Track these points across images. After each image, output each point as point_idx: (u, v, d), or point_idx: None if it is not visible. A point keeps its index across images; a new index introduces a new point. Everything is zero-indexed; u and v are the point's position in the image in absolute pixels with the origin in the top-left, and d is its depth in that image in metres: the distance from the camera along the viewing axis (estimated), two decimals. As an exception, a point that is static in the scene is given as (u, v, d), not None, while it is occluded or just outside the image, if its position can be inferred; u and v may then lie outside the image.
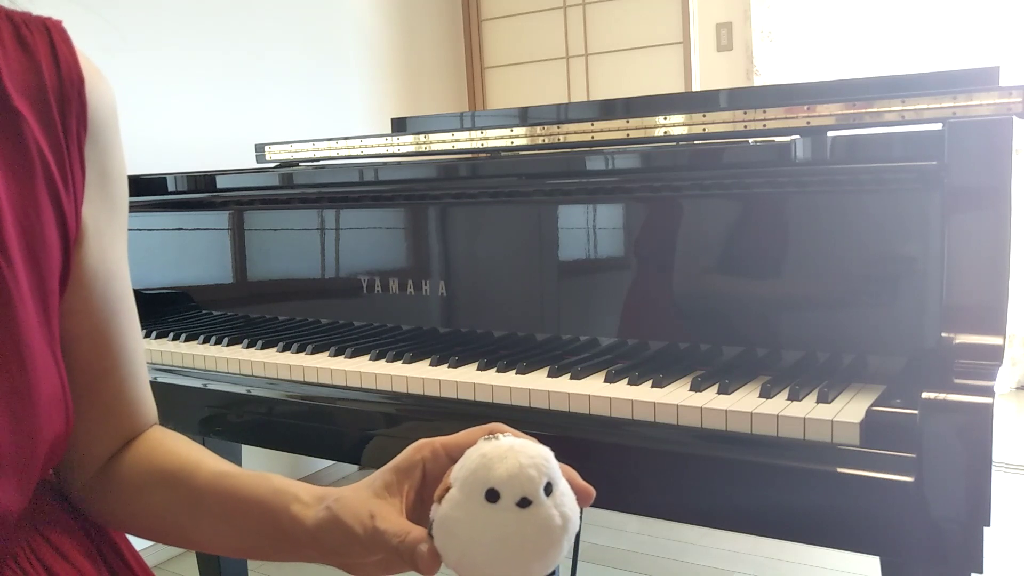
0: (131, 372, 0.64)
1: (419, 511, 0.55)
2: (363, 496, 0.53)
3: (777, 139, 1.13)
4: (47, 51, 0.57)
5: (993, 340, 0.89)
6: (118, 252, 0.63)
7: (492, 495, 0.49)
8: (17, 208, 0.54)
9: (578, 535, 1.99)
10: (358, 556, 0.53)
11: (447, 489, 0.51)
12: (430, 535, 0.51)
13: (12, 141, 0.54)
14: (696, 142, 1.25)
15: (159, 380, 1.46)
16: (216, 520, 0.60)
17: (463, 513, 0.49)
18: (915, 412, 0.84)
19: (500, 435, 0.52)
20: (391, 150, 1.61)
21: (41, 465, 0.55)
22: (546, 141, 1.39)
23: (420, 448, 0.55)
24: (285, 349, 1.40)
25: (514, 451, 0.49)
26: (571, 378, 1.11)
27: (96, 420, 0.62)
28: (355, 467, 3.19)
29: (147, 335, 1.62)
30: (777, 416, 0.92)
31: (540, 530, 0.49)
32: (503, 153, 1.47)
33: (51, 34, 0.58)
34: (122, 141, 0.63)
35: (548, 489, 0.49)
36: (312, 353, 1.36)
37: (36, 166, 0.55)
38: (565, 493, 0.51)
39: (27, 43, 0.56)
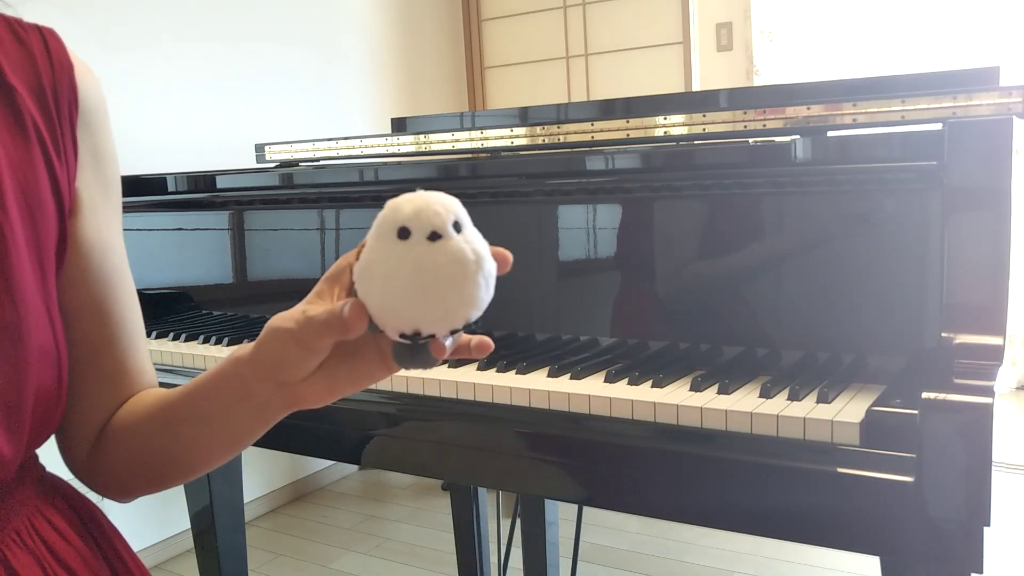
0: (131, 343, 0.67)
1: None
2: (296, 307, 0.55)
3: (777, 139, 1.13)
4: (40, 47, 0.61)
5: (993, 340, 0.89)
6: (114, 229, 0.66)
7: (403, 232, 0.50)
8: (15, 168, 0.57)
9: (578, 534, 1.97)
10: (297, 359, 0.54)
11: (363, 246, 0.53)
12: (354, 294, 0.53)
13: (9, 110, 0.58)
14: (696, 142, 1.25)
15: (159, 380, 1.46)
16: (190, 423, 0.62)
17: (377, 255, 0.51)
18: (915, 412, 0.84)
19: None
20: (391, 150, 1.61)
21: (30, 417, 0.57)
22: (546, 141, 1.40)
23: (347, 256, 0.57)
24: (285, 349, 1.40)
25: (420, 194, 0.51)
26: (571, 378, 1.11)
27: (99, 391, 0.65)
28: (355, 467, 3.20)
29: (147, 335, 1.62)
30: (777, 416, 0.92)
31: (453, 261, 0.50)
32: (503, 153, 1.47)
33: (43, 34, 0.62)
34: (112, 132, 0.67)
35: (457, 228, 0.51)
36: (312, 353, 1.36)
37: (32, 136, 0.59)
38: (476, 235, 0.53)
39: (22, 38, 0.61)
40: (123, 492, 0.68)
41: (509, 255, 0.55)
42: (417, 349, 0.53)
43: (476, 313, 0.53)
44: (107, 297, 0.65)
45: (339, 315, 0.51)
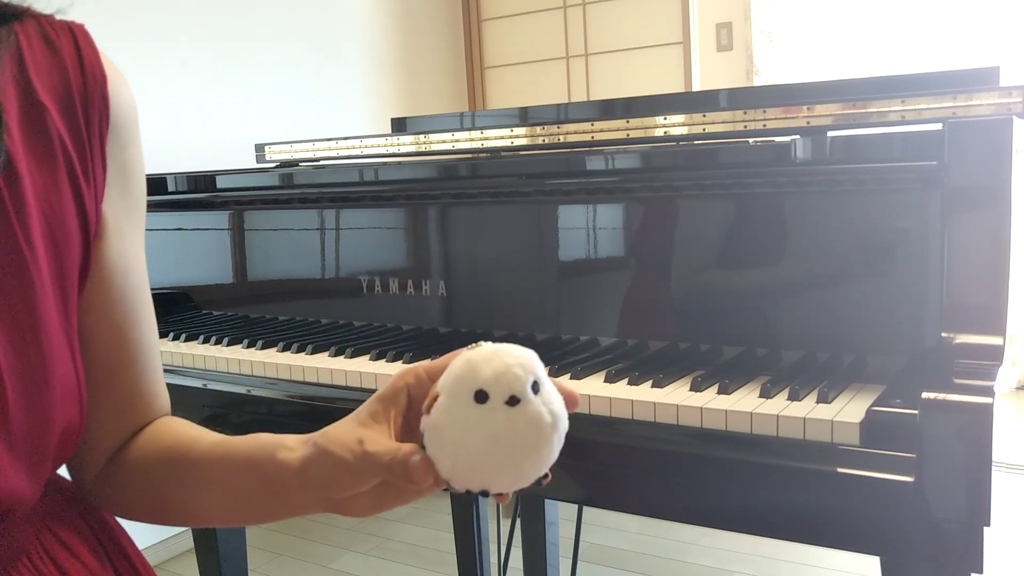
0: (147, 366, 0.65)
1: (406, 436, 0.54)
2: (350, 427, 0.53)
3: (777, 139, 1.13)
4: (71, 51, 0.58)
5: (993, 340, 0.89)
6: (136, 247, 0.64)
7: (481, 396, 0.49)
8: (41, 197, 0.55)
9: (578, 534, 1.97)
10: (348, 486, 0.52)
11: (435, 399, 0.51)
12: (422, 447, 0.51)
13: (37, 133, 0.56)
14: (696, 142, 1.25)
15: (159, 380, 1.46)
16: (212, 487, 0.60)
17: (453, 417, 0.49)
18: (915, 412, 0.84)
19: (482, 343, 0.52)
20: (391, 150, 1.61)
21: (53, 454, 0.56)
22: (546, 141, 1.40)
23: (403, 375, 0.55)
24: (285, 349, 1.40)
25: (498, 353, 0.50)
26: (571, 378, 1.11)
27: (113, 412, 0.64)
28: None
29: (147, 335, 1.62)
30: (777, 416, 0.92)
31: (531, 427, 0.49)
32: (503, 153, 1.47)
33: (75, 35, 0.59)
34: (142, 144, 0.65)
35: (535, 388, 0.50)
36: (312, 353, 1.36)
37: (59, 159, 0.56)
38: (552, 392, 0.51)
39: (53, 43, 0.58)
40: (128, 516, 0.66)
41: (578, 396, 0.53)
42: (479, 496, 0.52)
43: (546, 470, 0.51)
44: (126, 320, 0.62)
45: (403, 464, 0.49)
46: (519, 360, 0.50)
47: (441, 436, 0.50)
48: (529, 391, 0.49)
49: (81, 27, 0.60)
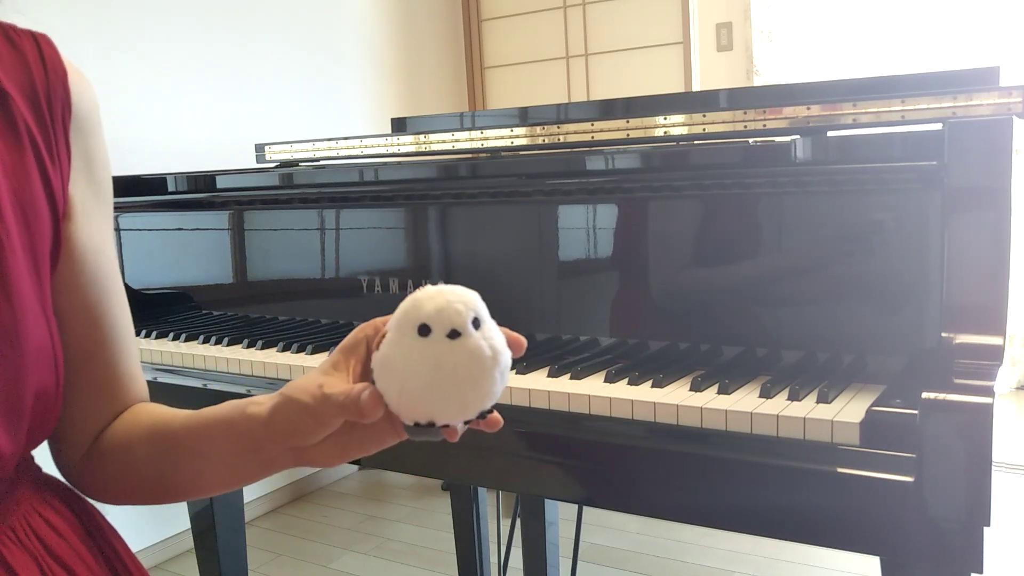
0: (122, 348, 0.67)
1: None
2: (313, 376, 0.57)
3: (777, 139, 1.13)
4: (34, 52, 0.62)
5: (993, 340, 0.89)
6: (105, 234, 0.67)
7: (423, 330, 0.52)
8: (9, 173, 0.58)
9: (578, 534, 1.97)
10: (310, 430, 0.56)
11: (383, 336, 0.55)
12: (372, 383, 0.54)
13: (2, 115, 0.59)
14: (696, 142, 1.25)
15: (159, 380, 1.46)
16: (192, 457, 0.63)
17: (398, 350, 0.53)
18: (915, 412, 0.84)
19: (427, 285, 0.55)
20: (391, 150, 1.61)
21: (29, 416, 0.58)
22: (546, 141, 1.40)
23: (364, 328, 0.58)
24: (285, 349, 1.40)
25: (442, 292, 0.53)
26: (571, 378, 1.11)
27: (90, 396, 0.66)
28: (355, 467, 3.20)
29: (147, 335, 1.62)
30: (777, 416, 0.92)
31: (471, 358, 0.52)
32: (503, 153, 1.47)
33: (37, 39, 0.63)
34: (104, 138, 0.68)
35: (476, 324, 0.53)
36: (312, 353, 1.36)
37: (25, 142, 0.59)
38: (493, 329, 0.54)
39: (16, 43, 0.62)
40: (114, 501, 0.68)
41: (524, 341, 0.57)
42: (430, 431, 0.55)
43: (490, 403, 0.54)
44: (99, 301, 0.65)
45: (356, 401, 0.53)
46: (461, 298, 0.53)
47: (388, 368, 0.53)
48: (470, 326, 0.52)
49: (43, 35, 0.64)
